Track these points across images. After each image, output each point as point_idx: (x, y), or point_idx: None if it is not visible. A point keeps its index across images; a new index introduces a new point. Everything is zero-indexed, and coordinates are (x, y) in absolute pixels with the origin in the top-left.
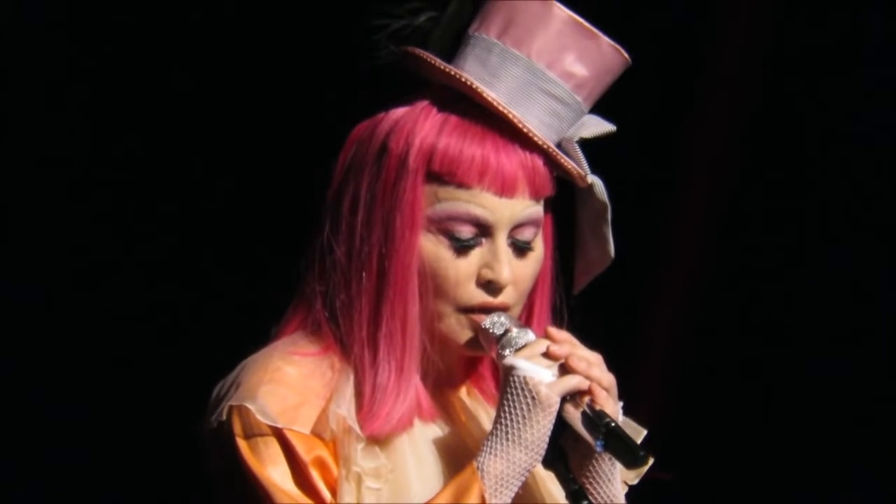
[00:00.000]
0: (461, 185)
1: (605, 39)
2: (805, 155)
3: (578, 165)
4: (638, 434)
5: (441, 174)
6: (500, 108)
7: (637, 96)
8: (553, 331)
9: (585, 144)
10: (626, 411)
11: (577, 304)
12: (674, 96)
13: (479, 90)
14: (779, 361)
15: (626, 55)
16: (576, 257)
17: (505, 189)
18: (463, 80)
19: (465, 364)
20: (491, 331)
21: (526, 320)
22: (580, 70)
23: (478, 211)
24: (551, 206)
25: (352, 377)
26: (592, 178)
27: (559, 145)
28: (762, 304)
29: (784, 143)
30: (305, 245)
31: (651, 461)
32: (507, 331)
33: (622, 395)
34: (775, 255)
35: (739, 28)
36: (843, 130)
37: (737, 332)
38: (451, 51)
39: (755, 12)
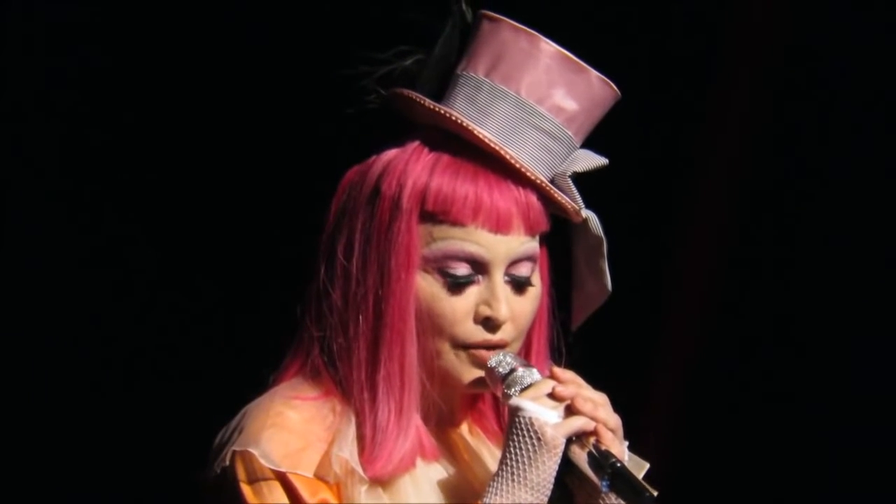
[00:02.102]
0: (455, 223)
1: (594, 73)
2: (819, 171)
3: (572, 200)
4: (640, 468)
5: (435, 213)
6: (492, 145)
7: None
8: (558, 371)
9: (587, 175)
10: (633, 444)
11: (580, 336)
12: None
13: (469, 128)
14: (795, 392)
15: (615, 88)
16: (573, 293)
17: (500, 226)
18: (453, 118)
19: (465, 402)
20: (496, 370)
21: (524, 356)
22: (570, 104)
23: (473, 248)
24: (546, 242)
25: (353, 420)
26: (587, 213)
27: (552, 180)
28: (775, 336)
29: (796, 155)
30: (301, 291)
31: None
32: (512, 370)
33: (627, 434)
34: (788, 286)
35: (752, 38)
36: (859, 141)
37: (749, 362)
38: (440, 92)
39: (768, 21)
